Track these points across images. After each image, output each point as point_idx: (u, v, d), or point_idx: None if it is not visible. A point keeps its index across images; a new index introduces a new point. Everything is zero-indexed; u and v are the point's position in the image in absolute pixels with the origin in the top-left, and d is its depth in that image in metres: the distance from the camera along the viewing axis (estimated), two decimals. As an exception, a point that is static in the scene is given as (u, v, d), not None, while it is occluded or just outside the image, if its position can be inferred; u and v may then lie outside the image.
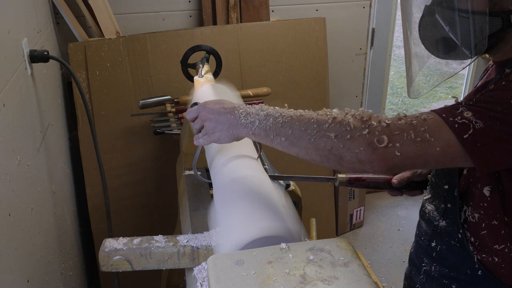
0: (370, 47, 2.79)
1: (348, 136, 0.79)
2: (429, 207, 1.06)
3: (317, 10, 2.57)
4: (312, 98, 2.50)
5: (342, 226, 2.87)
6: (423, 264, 1.08)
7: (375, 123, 0.79)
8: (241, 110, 0.92)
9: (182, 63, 1.72)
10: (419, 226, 1.12)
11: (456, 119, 0.77)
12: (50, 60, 1.55)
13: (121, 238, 1.00)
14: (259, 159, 1.11)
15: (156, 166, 2.30)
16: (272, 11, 2.50)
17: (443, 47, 0.90)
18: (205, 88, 1.39)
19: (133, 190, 2.28)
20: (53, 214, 1.62)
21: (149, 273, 1.10)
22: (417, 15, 0.93)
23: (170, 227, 1.97)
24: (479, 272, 0.95)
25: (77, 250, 2.06)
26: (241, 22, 2.40)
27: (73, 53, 2.11)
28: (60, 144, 1.96)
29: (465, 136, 0.76)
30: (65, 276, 1.71)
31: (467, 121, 0.76)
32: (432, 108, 0.83)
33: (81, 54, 2.11)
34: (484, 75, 1.03)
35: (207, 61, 1.69)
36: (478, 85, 0.98)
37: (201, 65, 1.63)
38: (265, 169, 1.23)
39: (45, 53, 1.52)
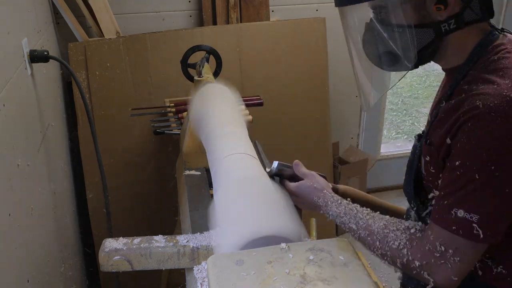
0: (370, 47, 2.79)
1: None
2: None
3: (317, 10, 2.57)
4: (312, 98, 2.49)
5: (342, 226, 2.86)
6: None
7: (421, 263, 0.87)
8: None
9: (182, 63, 1.72)
10: None
11: (458, 226, 0.83)
12: (50, 60, 1.54)
13: (121, 238, 1.00)
14: (258, 158, 1.11)
15: (156, 166, 2.30)
16: (272, 11, 2.49)
17: (385, 60, 0.95)
18: (205, 88, 1.39)
19: (133, 190, 2.28)
20: (53, 214, 1.62)
21: (149, 273, 1.10)
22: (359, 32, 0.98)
23: (170, 227, 1.97)
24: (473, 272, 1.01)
25: (77, 250, 2.06)
26: (241, 22, 2.40)
27: (73, 53, 2.11)
28: (60, 144, 1.96)
29: (475, 232, 0.82)
30: (65, 276, 1.70)
31: (467, 222, 0.82)
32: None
33: (81, 54, 2.11)
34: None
35: (207, 61, 1.70)
36: (438, 98, 1.04)
37: (201, 65, 1.63)
38: (264, 168, 1.23)
39: (45, 53, 1.52)
